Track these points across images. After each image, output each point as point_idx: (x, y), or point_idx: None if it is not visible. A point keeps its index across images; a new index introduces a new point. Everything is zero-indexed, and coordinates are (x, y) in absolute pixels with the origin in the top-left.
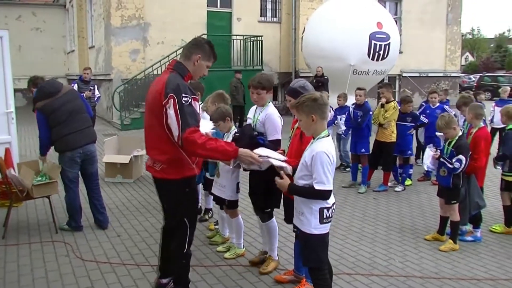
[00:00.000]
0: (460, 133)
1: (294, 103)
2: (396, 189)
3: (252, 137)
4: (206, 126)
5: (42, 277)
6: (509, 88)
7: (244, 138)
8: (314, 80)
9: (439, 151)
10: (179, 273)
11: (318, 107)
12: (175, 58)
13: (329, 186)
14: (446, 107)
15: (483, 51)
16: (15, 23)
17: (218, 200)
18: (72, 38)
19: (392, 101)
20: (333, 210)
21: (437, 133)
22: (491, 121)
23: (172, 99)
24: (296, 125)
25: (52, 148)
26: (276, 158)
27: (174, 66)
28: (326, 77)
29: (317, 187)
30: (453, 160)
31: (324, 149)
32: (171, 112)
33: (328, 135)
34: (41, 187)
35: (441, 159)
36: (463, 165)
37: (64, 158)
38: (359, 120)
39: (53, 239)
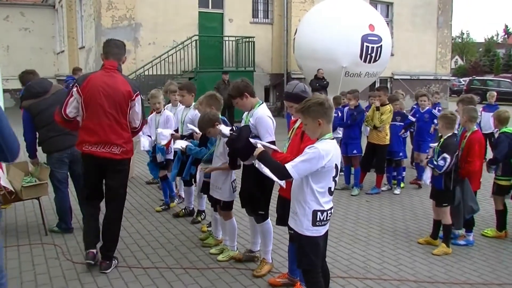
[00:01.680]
0: (451, 133)
1: (299, 107)
2: (395, 191)
3: (248, 139)
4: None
5: (31, 281)
6: (495, 94)
7: (240, 140)
8: (317, 84)
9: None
10: (116, 235)
11: (324, 112)
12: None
13: (294, 174)
14: (434, 111)
15: (472, 55)
16: (3, 23)
17: (212, 201)
18: (62, 38)
19: (388, 104)
20: (329, 214)
21: (431, 145)
22: (479, 126)
23: (139, 96)
24: (296, 125)
25: (40, 148)
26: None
27: (118, 68)
28: (327, 80)
29: (286, 165)
30: (438, 159)
31: (322, 148)
32: (137, 106)
33: (333, 138)
34: (30, 189)
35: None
36: (447, 164)
37: (52, 159)
38: (355, 115)
39: (42, 241)
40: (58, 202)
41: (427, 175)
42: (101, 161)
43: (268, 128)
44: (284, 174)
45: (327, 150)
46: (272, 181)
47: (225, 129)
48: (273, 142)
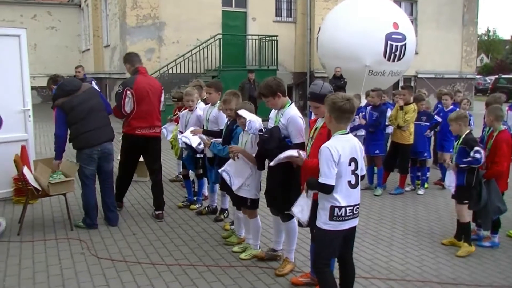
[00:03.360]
0: (468, 131)
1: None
2: (419, 192)
3: (280, 140)
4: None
5: (57, 274)
6: None
7: (273, 140)
8: (333, 84)
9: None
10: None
11: (333, 110)
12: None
13: (328, 180)
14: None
15: (498, 52)
16: (31, 22)
17: (236, 200)
18: (87, 37)
19: (412, 103)
20: (348, 211)
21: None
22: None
23: (163, 90)
24: (319, 124)
25: (70, 145)
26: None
27: (146, 71)
28: (345, 79)
29: (320, 180)
30: (472, 154)
31: (328, 144)
32: (163, 96)
33: (347, 133)
34: (57, 185)
35: (457, 162)
36: (483, 155)
37: (81, 155)
38: (374, 119)
39: (68, 236)
40: (85, 197)
41: (451, 179)
42: (148, 139)
43: (300, 130)
44: (326, 189)
45: (334, 145)
46: (298, 181)
47: (246, 114)
48: (303, 144)
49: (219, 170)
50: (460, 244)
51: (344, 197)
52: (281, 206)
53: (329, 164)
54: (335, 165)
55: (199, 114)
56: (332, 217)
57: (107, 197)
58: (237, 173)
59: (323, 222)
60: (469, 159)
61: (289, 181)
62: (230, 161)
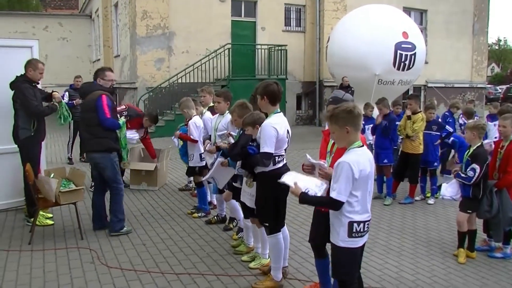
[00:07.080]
0: (479, 143)
1: (328, 114)
2: (429, 201)
3: (242, 147)
4: None
5: (67, 283)
6: None
7: (236, 147)
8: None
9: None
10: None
11: (352, 119)
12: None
13: (341, 197)
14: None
15: (509, 62)
16: (42, 33)
17: (245, 209)
18: (98, 47)
19: (419, 112)
20: (366, 225)
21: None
22: None
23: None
24: None
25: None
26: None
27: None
28: (352, 88)
29: (330, 194)
30: (467, 170)
31: (348, 159)
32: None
33: (362, 146)
34: (67, 194)
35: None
36: (476, 174)
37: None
38: (386, 126)
39: (78, 245)
40: (92, 198)
41: (453, 190)
42: None
43: (267, 139)
44: (335, 204)
45: (356, 160)
46: (284, 194)
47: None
48: (267, 154)
49: (203, 179)
50: (473, 255)
51: (363, 211)
52: (263, 216)
53: (348, 180)
54: (352, 183)
55: (193, 123)
56: (351, 233)
57: (110, 203)
58: (222, 178)
59: (342, 239)
60: (463, 175)
61: (278, 195)
62: (215, 168)
